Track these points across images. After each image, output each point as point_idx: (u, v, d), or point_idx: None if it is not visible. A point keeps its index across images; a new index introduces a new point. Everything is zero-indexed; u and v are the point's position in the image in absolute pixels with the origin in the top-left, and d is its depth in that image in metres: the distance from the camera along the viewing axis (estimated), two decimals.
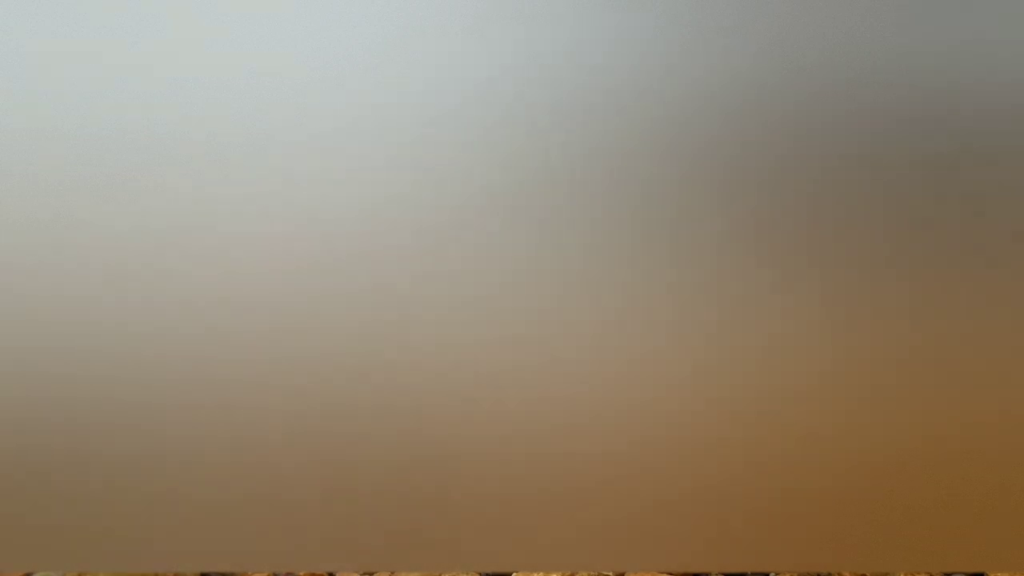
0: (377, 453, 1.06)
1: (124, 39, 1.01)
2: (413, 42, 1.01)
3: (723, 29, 1.00)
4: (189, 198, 1.03)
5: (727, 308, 1.03)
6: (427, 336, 1.04)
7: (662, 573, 1.09)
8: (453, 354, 1.05)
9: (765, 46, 1.00)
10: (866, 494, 1.05)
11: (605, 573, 1.10)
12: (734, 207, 1.02)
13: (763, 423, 1.05)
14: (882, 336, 1.03)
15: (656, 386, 1.05)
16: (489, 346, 1.04)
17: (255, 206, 1.03)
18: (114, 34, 1.02)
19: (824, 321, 1.03)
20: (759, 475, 1.05)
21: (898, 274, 1.02)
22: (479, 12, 1.01)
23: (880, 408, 1.04)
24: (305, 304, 1.04)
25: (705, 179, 1.02)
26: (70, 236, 1.03)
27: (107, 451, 1.06)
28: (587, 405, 1.05)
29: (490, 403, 1.05)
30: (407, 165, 1.02)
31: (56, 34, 1.01)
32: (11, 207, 1.03)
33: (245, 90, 1.02)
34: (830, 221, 1.02)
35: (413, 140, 1.02)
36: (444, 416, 1.06)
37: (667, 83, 1.01)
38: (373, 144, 1.02)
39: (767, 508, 1.05)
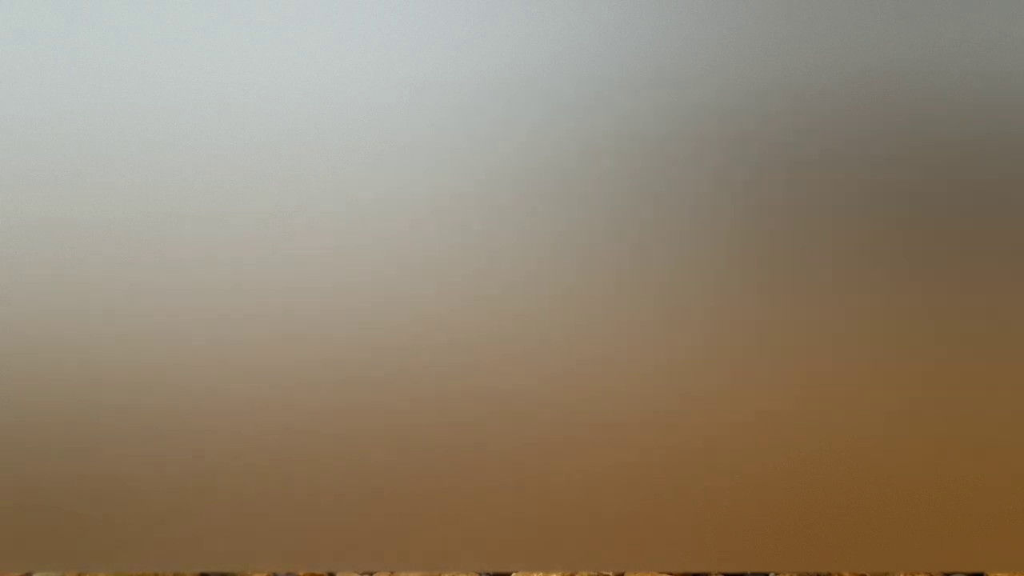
0: (377, 453, 1.06)
1: (122, 37, 1.01)
2: (412, 42, 1.01)
3: (725, 26, 1.00)
4: (189, 198, 1.03)
5: (728, 308, 1.03)
6: (427, 336, 1.04)
7: (662, 573, 1.09)
8: (453, 354, 1.05)
9: (767, 44, 1.00)
10: (866, 494, 1.05)
11: (605, 573, 1.10)
12: (734, 208, 1.02)
13: (763, 423, 1.05)
14: (882, 336, 1.03)
15: (656, 386, 1.05)
16: (489, 346, 1.04)
17: (254, 205, 1.03)
18: (113, 32, 1.02)
19: (824, 321, 1.03)
20: (759, 475, 1.05)
21: (898, 274, 1.03)
22: (478, 12, 1.01)
23: (880, 408, 1.04)
24: (305, 304, 1.04)
25: (706, 179, 1.02)
26: (70, 235, 1.03)
27: (107, 451, 1.06)
28: (587, 405, 1.05)
29: (490, 403, 1.05)
30: (406, 165, 1.02)
31: (57, 33, 1.01)
32: (13, 207, 1.03)
33: (245, 89, 1.02)
34: (833, 221, 1.02)
35: (412, 140, 1.02)
36: (444, 416, 1.06)
37: (669, 83, 1.01)
38: (372, 144, 1.02)
39: (767, 508, 1.05)
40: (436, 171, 1.02)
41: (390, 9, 1.01)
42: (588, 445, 1.06)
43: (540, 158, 1.02)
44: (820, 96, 1.01)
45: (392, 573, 1.10)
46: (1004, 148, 1.01)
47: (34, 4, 1.01)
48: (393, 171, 1.02)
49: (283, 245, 1.03)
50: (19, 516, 1.07)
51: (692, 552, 1.06)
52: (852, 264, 1.03)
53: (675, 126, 1.02)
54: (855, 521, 1.05)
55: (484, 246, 1.03)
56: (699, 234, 1.03)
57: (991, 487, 1.04)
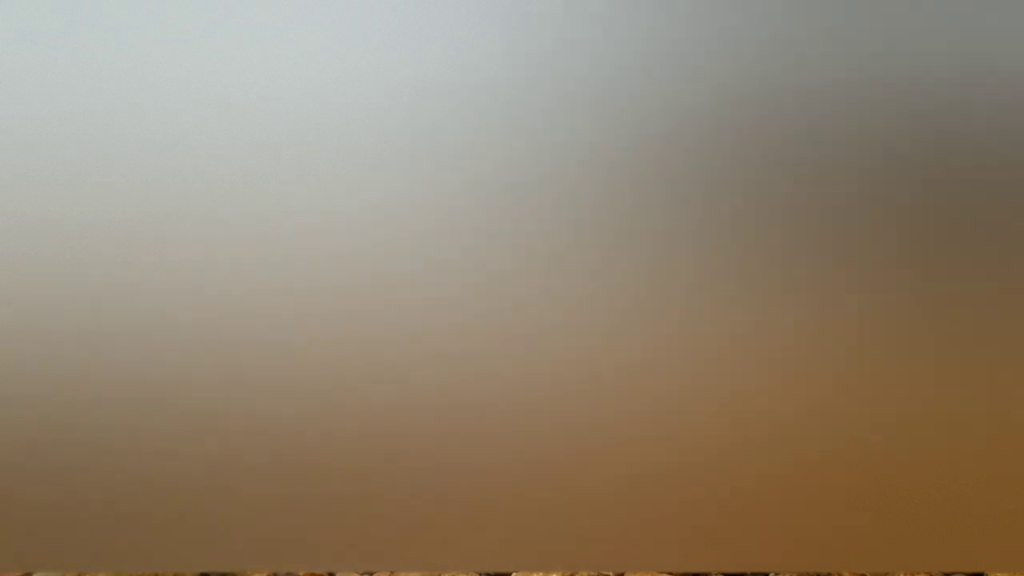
0: (377, 453, 1.06)
1: (122, 37, 1.01)
2: (411, 42, 1.01)
3: (723, 26, 1.00)
4: (189, 198, 1.03)
5: (727, 308, 1.03)
6: (427, 337, 1.04)
7: (662, 573, 1.09)
8: (454, 354, 1.05)
9: (765, 43, 1.00)
10: (865, 494, 1.05)
11: (605, 573, 1.10)
12: (734, 207, 1.02)
13: (763, 423, 1.05)
14: (882, 336, 1.03)
15: (656, 386, 1.05)
16: (489, 346, 1.04)
17: (254, 206, 1.03)
18: (113, 32, 1.02)
19: (824, 321, 1.03)
20: (759, 475, 1.05)
21: (899, 274, 1.02)
22: (478, 12, 1.01)
23: (880, 409, 1.04)
24: (305, 304, 1.04)
25: (704, 179, 1.02)
26: (70, 235, 1.03)
27: (107, 451, 1.06)
28: (587, 405, 1.05)
29: (490, 403, 1.05)
30: (406, 165, 1.02)
31: (57, 33, 1.01)
32: (13, 207, 1.03)
33: (245, 89, 1.02)
34: (834, 223, 1.02)
35: (412, 140, 1.02)
36: (444, 416, 1.06)
37: (668, 82, 1.01)
38: (372, 144, 1.02)
39: (767, 508, 1.05)
40: (436, 172, 1.02)
41: (390, 9, 1.01)
42: (588, 445, 1.06)
43: (541, 159, 1.02)
44: (820, 96, 1.01)
45: (392, 573, 1.10)
46: (1005, 148, 1.01)
47: (34, 4, 1.01)
48: (393, 171, 1.02)
49: (283, 245, 1.03)
50: (19, 516, 1.07)
51: (692, 552, 1.06)
52: (851, 265, 1.03)
53: (678, 127, 1.02)
54: (855, 521, 1.05)
55: (485, 247, 1.03)
56: (703, 238, 1.03)
57: (991, 487, 1.04)
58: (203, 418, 1.06)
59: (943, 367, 1.03)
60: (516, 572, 1.09)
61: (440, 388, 1.05)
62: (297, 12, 1.01)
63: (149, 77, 1.02)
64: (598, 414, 1.05)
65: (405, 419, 1.06)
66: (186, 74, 1.02)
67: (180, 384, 1.05)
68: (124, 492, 1.06)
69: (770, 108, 1.01)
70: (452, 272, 1.04)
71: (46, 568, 1.08)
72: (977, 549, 1.05)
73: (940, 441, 1.04)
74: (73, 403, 1.05)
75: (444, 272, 1.04)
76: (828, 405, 1.04)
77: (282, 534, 1.07)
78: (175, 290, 1.04)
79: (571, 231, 1.03)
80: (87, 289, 1.04)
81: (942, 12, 1.00)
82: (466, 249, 1.03)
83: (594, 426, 1.05)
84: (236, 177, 1.02)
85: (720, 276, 1.03)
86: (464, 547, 1.07)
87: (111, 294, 1.04)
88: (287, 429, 1.06)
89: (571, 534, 1.06)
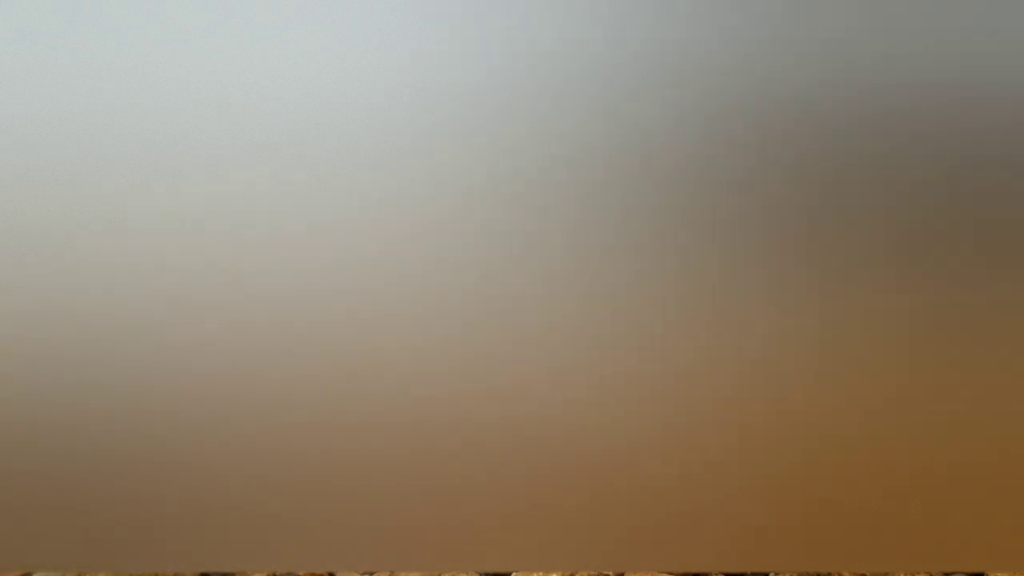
0: (377, 453, 1.06)
1: (122, 37, 1.01)
2: (411, 42, 1.01)
3: (725, 24, 1.00)
4: (189, 198, 1.03)
5: (728, 309, 1.03)
6: (427, 337, 1.04)
7: (662, 573, 1.09)
8: (453, 354, 1.05)
9: (765, 43, 1.00)
10: (866, 494, 1.05)
11: (605, 573, 1.10)
12: (735, 208, 1.02)
13: (763, 423, 1.05)
14: (882, 336, 1.03)
15: (656, 386, 1.05)
16: (490, 347, 1.04)
17: (254, 206, 1.03)
18: (113, 32, 1.02)
19: (824, 321, 1.03)
20: (759, 476, 1.05)
21: (897, 274, 1.02)
22: (478, 12, 1.01)
23: (880, 408, 1.04)
24: (305, 304, 1.04)
25: (705, 179, 1.02)
26: (70, 235, 1.03)
27: (107, 451, 1.06)
28: (587, 405, 1.05)
29: (490, 404, 1.05)
30: (406, 165, 1.02)
31: (57, 33, 1.01)
32: (13, 207, 1.03)
33: (245, 89, 1.02)
34: (835, 222, 1.02)
35: (412, 140, 1.02)
36: (444, 416, 1.06)
37: (668, 82, 1.01)
38: (372, 144, 1.02)
39: (767, 508, 1.05)
40: (436, 172, 1.02)
41: (390, 9, 1.01)
42: (588, 445, 1.06)
43: (542, 159, 1.02)
44: (820, 96, 1.01)
45: (392, 573, 1.10)
46: (1006, 148, 1.01)
47: (34, 4, 1.01)
48: (393, 171, 1.02)
49: (283, 245, 1.03)
50: (19, 516, 1.07)
51: (692, 552, 1.06)
52: (851, 264, 1.03)
53: (678, 127, 1.02)
54: (855, 521, 1.05)
55: (486, 247, 1.03)
56: (704, 240, 1.03)
57: (991, 487, 1.04)
58: (203, 418, 1.06)
59: (943, 367, 1.03)
60: (516, 572, 1.09)
61: (440, 388, 1.05)
62: (297, 12, 1.01)
63: (149, 77, 1.02)
64: (598, 414, 1.05)
65: (405, 419, 1.06)
66: (186, 74, 1.02)
67: (180, 384, 1.05)
68: (124, 492, 1.07)
69: (769, 108, 1.01)
70: (452, 273, 1.04)
71: (46, 568, 1.08)
72: (977, 549, 1.05)
73: (940, 442, 1.04)
74: (73, 403, 1.05)
75: (444, 273, 1.04)
76: (828, 405, 1.04)
77: (282, 534, 1.07)
78: (175, 290, 1.04)
79: (574, 231, 1.03)
80: (87, 289, 1.04)
81: (942, 12, 1.00)
82: (467, 249, 1.03)
83: (594, 426, 1.05)
84: (236, 177, 1.03)
85: (721, 277, 1.03)
86: (464, 547, 1.07)
87: (111, 294, 1.04)
88: (287, 429, 1.06)
89: (571, 534, 1.06)
